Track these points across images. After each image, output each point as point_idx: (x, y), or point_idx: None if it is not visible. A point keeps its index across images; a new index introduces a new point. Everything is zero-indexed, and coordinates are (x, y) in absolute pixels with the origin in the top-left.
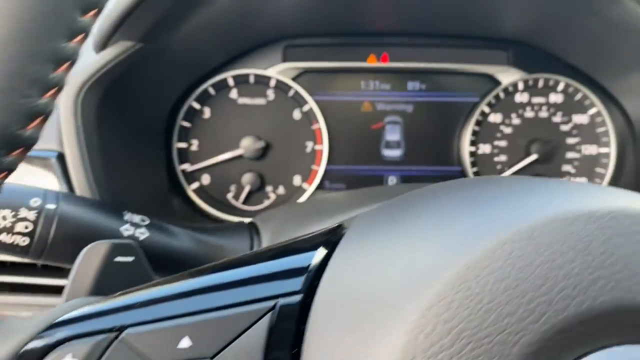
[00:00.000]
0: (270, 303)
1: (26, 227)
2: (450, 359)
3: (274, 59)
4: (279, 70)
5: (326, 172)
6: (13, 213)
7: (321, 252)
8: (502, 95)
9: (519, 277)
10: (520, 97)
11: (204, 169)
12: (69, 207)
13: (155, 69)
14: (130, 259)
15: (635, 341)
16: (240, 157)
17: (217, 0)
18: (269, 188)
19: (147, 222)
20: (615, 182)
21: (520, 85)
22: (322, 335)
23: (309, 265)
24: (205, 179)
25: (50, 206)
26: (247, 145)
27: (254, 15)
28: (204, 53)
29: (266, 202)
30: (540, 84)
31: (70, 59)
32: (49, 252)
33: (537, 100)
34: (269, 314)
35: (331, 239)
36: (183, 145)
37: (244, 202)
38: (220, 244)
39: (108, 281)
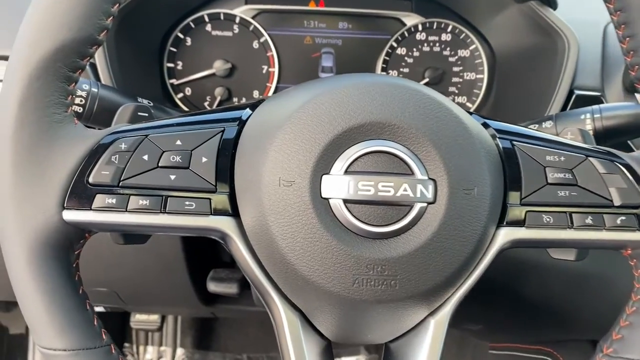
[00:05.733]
0: (222, 127)
1: (81, 101)
2: (297, 141)
3: (239, 2)
4: (242, 10)
5: (277, 88)
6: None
7: (250, 109)
8: (406, 34)
9: (330, 108)
10: (420, 36)
11: (186, 83)
12: (105, 91)
13: (150, 9)
14: (146, 114)
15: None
16: (213, 75)
17: None
18: (235, 99)
19: (152, 104)
20: (485, 99)
21: (420, 27)
22: (246, 143)
23: (242, 114)
24: (188, 91)
25: (94, 89)
26: (218, 66)
27: None
28: None
29: None
30: (435, 26)
31: (119, 2)
32: (93, 118)
33: (432, 38)
34: (220, 132)
35: (256, 104)
36: (171, 65)
37: None
38: None
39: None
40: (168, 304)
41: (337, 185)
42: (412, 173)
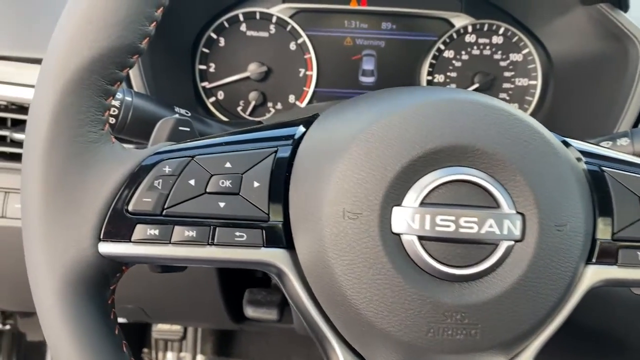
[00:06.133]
0: (275, 147)
1: (114, 111)
2: (365, 166)
3: (276, 1)
4: (279, 9)
5: (314, 93)
6: None
7: (303, 126)
8: (455, 35)
9: (402, 130)
10: (469, 38)
11: (218, 87)
12: (139, 100)
13: (183, 7)
14: (187, 129)
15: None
16: (247, 78)
17: None
18: (269, 104)
19: (189, 114)
20: (538, 107)
21: (470, 28)
22: (302, 166)
23: (295, 131)
24: (220, 95)
25: (128, 98)
26: (253, 69)
27: None
28: None
29: (267, 115)
30: (486, 27)
31: (164, 5)
32: (127, 129)
33: (482, 40)
34: (273, 154)
35: (310, 120)
36: (203, 67)
37: (250, 115)
38: None
39: (174, 141)
40: (196, 320)
41: (411, 219)
42: (498, 206)
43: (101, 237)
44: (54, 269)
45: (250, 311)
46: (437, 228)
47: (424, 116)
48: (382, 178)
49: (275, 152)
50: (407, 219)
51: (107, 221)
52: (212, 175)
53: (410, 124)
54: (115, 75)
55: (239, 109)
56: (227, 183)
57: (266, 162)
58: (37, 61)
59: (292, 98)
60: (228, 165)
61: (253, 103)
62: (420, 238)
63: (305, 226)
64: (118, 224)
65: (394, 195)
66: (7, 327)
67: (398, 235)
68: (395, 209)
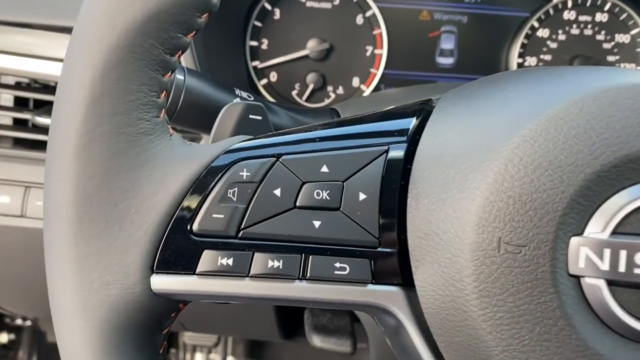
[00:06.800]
0: (385, 145)
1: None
2: (531, 177)
3: None
4: None
5: (383, 75)
6: None
7: (418, 116)
8: (551, 11)
9: (586, 127)
10: (568, 15)
11: (272, 67)
12: (192, 79)
13: None
14: (259, 117)
15: None
16: (305, 57)
17: None
18: (329, 88)
19: (252, 97)
20: None
21: (569, 3)
22: (426, 173)
23: (408, 125)
24: (273, 76)
25: (180, 77)
26: (313, 46)
27: None
28: None
29: (326, 101)
30: (588, 2)
31: None
32: (177, 116)
33: (583, 18)
34: (383, 155)
35: (424, 107)
36: (254, 43)
37: (307, 100)
38: (309, 122)
39: (243, 133)
40: (241, 333)
41: (598, 256)
42: None
43: (154, 267)
44: (88, 312)
45: (317, 341)
46: (637, 270)
47: (614, 109)
48: (557, 196)
49: (386, 152)
50: (591, 256)
51: (163, 246)
52: (304, 183)
53: (594, 119)
54: (178, 41)
55: (294, 92)
56: (324, 194)
57: (375, 165)
58: (67, 30)
59: (356, 81)
60: (324, 169)
61: (311, 86)
62: (610, 283)
63: (434, 258)
64: (178, 249)
65: (573, 220)
66: (28, 323)
67: (577, 277)
68: (575, 241)
